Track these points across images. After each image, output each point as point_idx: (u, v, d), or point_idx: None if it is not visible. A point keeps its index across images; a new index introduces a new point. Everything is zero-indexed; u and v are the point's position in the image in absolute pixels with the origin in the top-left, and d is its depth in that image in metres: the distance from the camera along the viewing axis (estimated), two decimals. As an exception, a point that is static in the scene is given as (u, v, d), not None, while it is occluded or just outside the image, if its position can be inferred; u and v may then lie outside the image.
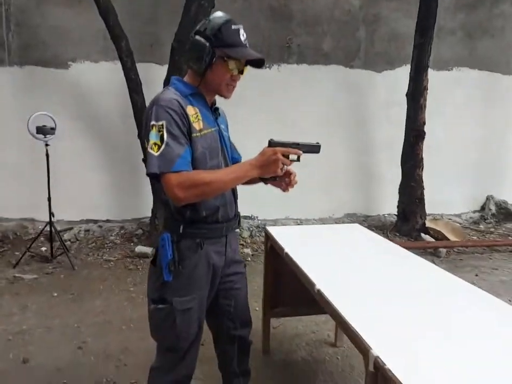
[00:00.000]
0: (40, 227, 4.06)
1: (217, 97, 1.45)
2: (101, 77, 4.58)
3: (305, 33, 5.02)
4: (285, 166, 1.31)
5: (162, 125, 1.20)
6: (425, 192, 4.93)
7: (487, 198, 5.79)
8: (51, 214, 3.64)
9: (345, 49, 5.17)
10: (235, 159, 1.60)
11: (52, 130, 3.56)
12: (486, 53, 5.55)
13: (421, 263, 1.70)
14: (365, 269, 1.61)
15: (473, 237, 4.98)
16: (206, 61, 1.28)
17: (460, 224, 5.45)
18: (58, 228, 3.98)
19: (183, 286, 1.33)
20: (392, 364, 0.93)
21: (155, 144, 1.20)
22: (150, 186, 4.26)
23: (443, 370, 0.92)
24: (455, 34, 5.49)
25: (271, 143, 1.30)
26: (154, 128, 1.21)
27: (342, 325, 1.18)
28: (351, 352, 2.32)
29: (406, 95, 4.81)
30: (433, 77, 5.22)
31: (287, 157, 1.29)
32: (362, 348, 1.03)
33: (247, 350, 1.67)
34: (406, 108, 4.82)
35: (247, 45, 1.33)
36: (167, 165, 1.19)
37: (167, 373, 1.42)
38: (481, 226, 5.44)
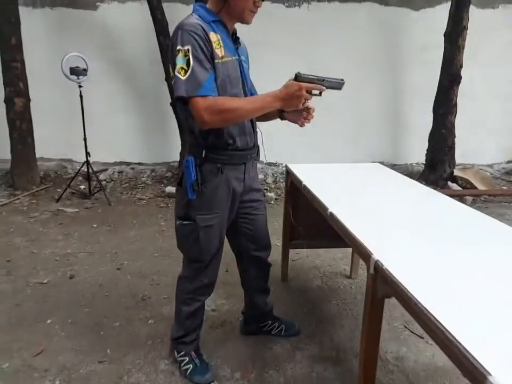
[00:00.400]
0: (77, 167, 4.34)
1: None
2: (128, 18, 4.58)
3: (338, -33, 4.72)
4: (307, 102, 1.36)
5: (188, 50, 1.27)
6: (456, 140, 4.78)
7: (523, 148, 5.54)
8: (87, 153, 3.87)
9: (381, -16, 4.84)
10: (253, 94, 1.66)
11: (84, 71, 3.69)
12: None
13: (433, 193, 1.76)
14: (378, 198, 1.69)
15: (504, 187, 4.87)
16: None
17: (491, 174, 5.30)
18: (94, 169, 4.23)
19: (205, 205, 1.47)
20: (390, 267, 1.03)
21: (182, 68, 1.27)
22: (178, 131, 4.39)
23: (437, 272, 1.02)
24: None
25: (298, 77, 1.33)
26: (180, 52, 1.27)
27: (349, 238, 1.29)
28: (365, 283, 2.47)
29: (444, 35, 4.52)
30: (476, 15, 4.85)
31: (310, 92, 1.33)
32: (364, 254, 1.14)
33: (266, 270, 1.84)
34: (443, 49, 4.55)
35: None
36: (194, 89, 1.27)
37: (192, 281, 1.61)
38: (514, 177, 5.28)
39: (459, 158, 5.09)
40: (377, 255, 1.09)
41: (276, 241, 2.89)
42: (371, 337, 1.13)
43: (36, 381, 1.66)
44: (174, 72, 1.30)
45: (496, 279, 1.00)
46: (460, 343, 0.73)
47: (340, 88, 1.41)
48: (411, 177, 4.94)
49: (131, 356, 1.81)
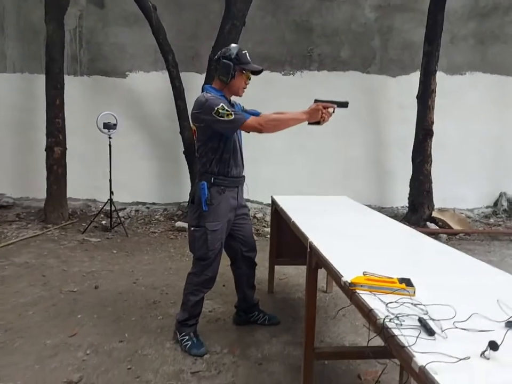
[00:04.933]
0: (100, 206, 5.04)
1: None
2: (151, 84, 5.53)
3: (325, 43, 5.70)
4: (323, 115, 2.02)
5: (222, 106, 1.97)
6: (439, 188, 5.39)
7: (500, 195, 6.10)
8: (111, 192, 4.57)
9: (362, 57, 5.77)
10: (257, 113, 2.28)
11: (114, 126, 4.51)
12: (498, 59, 5.91)
13: (383, 218, 2.34)
14: (330, 215, 2.29)
15: (480, 229, 5.36)
16: (232, 74, 2.07)
17: (471, 217, 5.82)
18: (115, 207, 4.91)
19: (212, 216, 2.10)
20: (319, 245, 1.61)
21: (227, 114, 1.96)
22: (188, 176, 5.11)
23: (344, 252, 1.60)
24: (468, 41, 5.91)
25: (316, 100, 2.05)
26: (218, 109, 1.96)
27: (300, 234, 1.87)
28: (337, 296, 2.97)
29: (416, 97, 5.33)
30: (447, 80, 5.71)
31: (326, 108, 2.03)
32: (304, 239, 1.72)
33: (254, 268, 2.44)
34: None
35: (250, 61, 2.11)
36: (242, 118, 2.00)
37: (199, 275, 2.19)
38: (491, 220, 5.78)
39: (441, 202, 5.66)
40: (311, 238, 1.68)
41: (267, 264, 3.42)
42: (310, 295, 1.68)
43: (72, 352, 2.17)
44: (223, 119, 1.95)
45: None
46: (338, 272, 1.30)
47: (346, 107, 2.07)
48: (396, 219, 5.51)
49: (144, 338, 2.32)
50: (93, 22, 5.55)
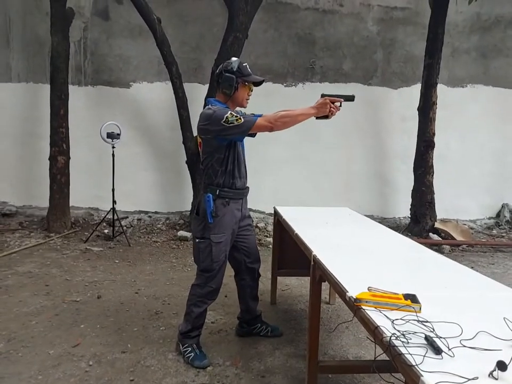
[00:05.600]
0: (103, 215, 5.06)
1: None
2: (155, 94, 5.59)
3: (327, 56, 5.77)
4: (331, 109, 2.02)
5: (230, 113, 1.99)
6: (441, 199, 5.40)
7: (502, 206, 6.10)
8: (114, 201, 4.59)
9: (364, 69, 5.83)
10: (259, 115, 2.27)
11: (118, 135, 4.55)
12: (500, 72, 5.96)
13: (385, 230, 2.35)
14: (331, 227, 2.30)
15: (482, 240, 5.35)
16: (236, 87, 2.10)
17: (473, 229, 5.81)
18: (117, 216, 4.92)
19: (217, 228, 2.11)
20: (323, 259, 1.62)
21: (237, 120, 1.98)
22: (191, 185, 5.13)
23: (346, 264, 1.61)
24: (470, 54, 5.98)
25: (323, 95, 2.05)
26: (227, 117, 1.98)
27: (303, 246, 1.88)
28: (339, 308, 2.97)
29: (418, 109, 5.37)
30: (448, 92, 5.77)
31: (333, 102, 2.03)
32: (308, 252, 1.73)
33: (257, 279, 2.44)
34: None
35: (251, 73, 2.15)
36: (251, 120, 2.01)
37: (203, 287, 2.19)
38: (494, 232, 5.77)
39: (443, 213, 5.67)
40: (315, 251, 1.69)
41: (269, 274, 3.42)
42: (314, 308, 1.68)
43: (75, 362, 2.17)
44: (233, 125, 1.97)
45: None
46: (343, 286, 1.31)
47: (353, 100, 2.09)
48: (398, 230, 5.55)
49: (146, 349, 2.32)
50: (98, 33, 5.63)
